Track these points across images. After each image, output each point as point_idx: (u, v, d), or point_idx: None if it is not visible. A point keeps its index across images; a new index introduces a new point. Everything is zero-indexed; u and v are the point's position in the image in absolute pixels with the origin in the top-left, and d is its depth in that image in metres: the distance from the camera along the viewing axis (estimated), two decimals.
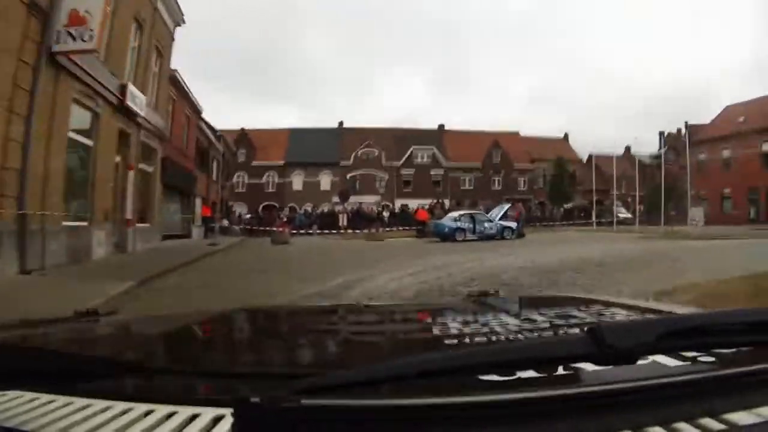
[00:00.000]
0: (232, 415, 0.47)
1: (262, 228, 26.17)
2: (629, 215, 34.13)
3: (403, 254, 12.57)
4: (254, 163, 41.71)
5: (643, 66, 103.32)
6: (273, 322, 1.34)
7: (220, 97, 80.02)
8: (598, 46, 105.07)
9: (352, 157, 42.55)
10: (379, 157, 42.58)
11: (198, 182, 22.99)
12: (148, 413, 0.52)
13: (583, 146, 49.89)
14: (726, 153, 38.68)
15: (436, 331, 0.92)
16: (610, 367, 0.53)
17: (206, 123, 25.51)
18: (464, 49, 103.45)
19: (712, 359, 0.62)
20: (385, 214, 32.10)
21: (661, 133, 46.06)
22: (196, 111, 22.72)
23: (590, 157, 41.52)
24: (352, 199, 32.94)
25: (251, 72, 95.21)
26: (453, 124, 47.93)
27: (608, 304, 1.12)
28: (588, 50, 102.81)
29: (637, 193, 31.38)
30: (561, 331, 0.85)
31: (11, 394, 0.58)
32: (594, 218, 32.79)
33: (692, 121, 40.88)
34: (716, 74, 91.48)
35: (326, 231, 26.93)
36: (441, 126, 46.95)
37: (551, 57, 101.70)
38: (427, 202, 33.99)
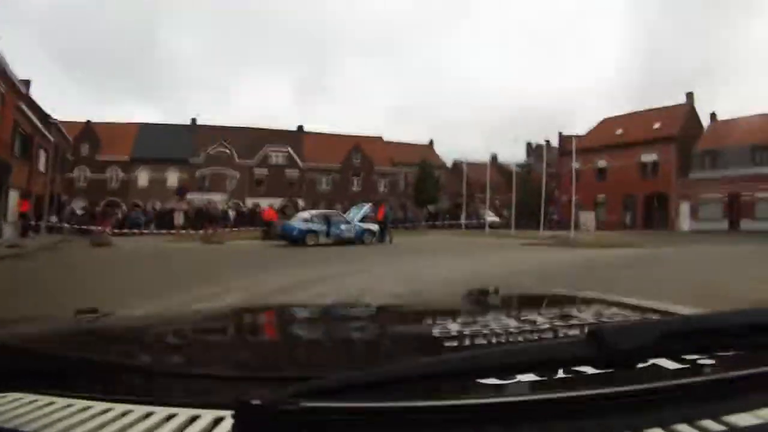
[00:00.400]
0: (233, 417, 0.52)
1: (91, 227, 25.99)
2: (497, 219, 38.75)
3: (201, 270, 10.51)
4: (98, 157, 44.60)
5: (511, 80, 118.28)
6: (273, 322, 1.47)
7: (72, 89, 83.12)
8: (467, 59, 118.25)
9: (204, 155, 46.17)
10: (231, 155, 46.74)
11: (16, 173, 22.76)
12: (148, 415, 0.58)
13: (448, 154, 58.06)
14: (602, 162, 45.47)
15: (436, 331, 0.98)
16: (611, 370, 0.58)
17: (35, 107, 26.26)
18: (331, 55, 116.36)
19: (713, 362, 0.68)
20: (231, 213, 34.42)
21: (528, 144, 53.62)
22: (17, 91, 23.04)
23: (455, 163, 47.25)
24: (200, 196, 34.77)
25: (104, 64, 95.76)
26: (316, 127, 52.84)
27: (608, 304, 1.23)
28: (456, 62, 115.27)
29: (514, 198, 36.16)
30: (561, 333, 0.94)
31: (11, 395, 0.63)
32: (463, 220, 36.61)
33: (567, 132, 48.20)
34: (586, 89, 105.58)
35: (164, 231, 27.47)
36: (300, 127, 52.04)
37: (420, 67, 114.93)
38: (279, 201, 37.30)
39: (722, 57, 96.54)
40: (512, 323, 1.02)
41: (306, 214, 20.85)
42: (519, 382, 0.63)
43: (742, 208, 37.07)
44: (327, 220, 19.90)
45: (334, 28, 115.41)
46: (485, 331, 0.94)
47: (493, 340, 0.88)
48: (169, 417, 0.57)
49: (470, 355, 0.68)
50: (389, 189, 49.69)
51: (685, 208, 39.96)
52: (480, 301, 1.43)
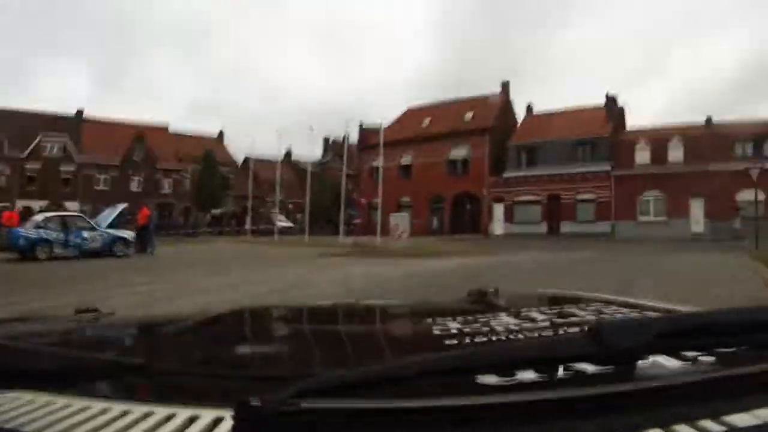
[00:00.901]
0: (232, 417, 0.52)
1: None
2: (290, 224, 34.47)
3: None
4: None
5: (313, 76, 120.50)
6: (273, 322, 1.51)
7: None
8: (267, 53, 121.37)
9: None
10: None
11: None
12: (147, 415, 0.58)
13: (242, 151, 51.38)
14: (407, 158, 41.18)
15: (436, 330, 1.00)
16: (610, 367, 0.60)
17: None
18: (125, 43, 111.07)
19: (713, 359, 0.69)
20: None
21: (326, 139, 49.74)
22: None
23: (246, 159, 41.71)
24: None
25: None
26: (97, 114, 45.92)
27: (608, 303, 1.25)
28: (254, 55, 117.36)
29: (308, 200, 31.04)
30: (561, 331, 0.95)
31: (9, 395, 0.64)
32: (249, 226, 32.25)
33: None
34: (394, 82, 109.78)
35: None
36: (79, 112, 44.54)
37: (222, 65, 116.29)
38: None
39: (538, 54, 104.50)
40: (511, 322, 1.03)
41: (39, 218, 17.84)
42: (518, 380, 0.64)
43: (563, 210, 35.72)
44: (65, 225, 17.15)
45: (132, 17, 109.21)
46: (484, 330, 0.96)
47: (493, 339, 0.89)
48: (169, 417, 0.58)
49: (469, 354, 0.70)
50: (173, 189, 44.70)
51: (498, 210, 37.90)
52: (479, 300, 1.46)
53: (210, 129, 49.47)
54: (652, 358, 0.66)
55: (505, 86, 41.74)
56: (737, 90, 76.88)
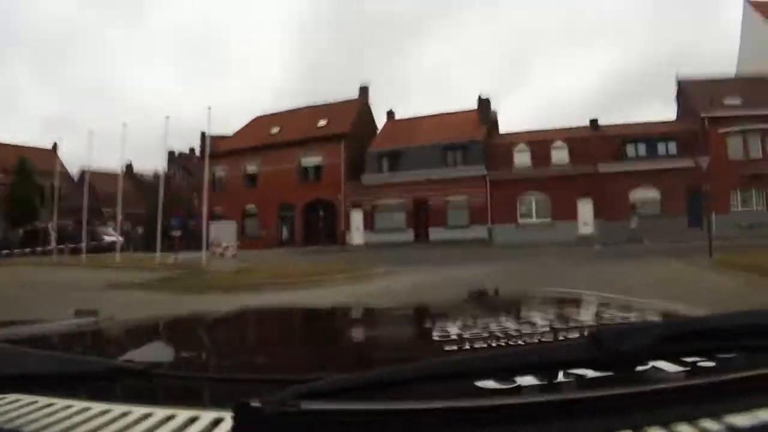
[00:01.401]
0: (232, 418, 0.54)
1: None
2: (116, 238, 28.48)
3: None
4: None
5: (168, 89, 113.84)
6: (273, 323, 1.60)
7: None
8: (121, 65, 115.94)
9: None
10: None
11: None
12: (147, 416, 0.60)
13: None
14: (253, 167, 37.04)
15: (435, 333, 1.04)
16: (611, 371, 0.62)
17: None
18: None
19: (713, 363, 0.70)
20: None
21: (171, 152, 45.08)
22: None
23: (83, 172, 37.80)
24: None
25: None
26: None
27: (608, 304, 1.28)
28: (109, 74, 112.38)
29: (119, 210, 26.32)
30: (560, 334, 0.98)
31: (10, 397, 0.66)
32: (55, 244, 26.67)
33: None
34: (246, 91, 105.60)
35: None
36: None
37: (76, 80, 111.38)
38: None
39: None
40: (512, 325, 1.06)
41: None
42: (519, 383, 0.64)
43: (432, 215, 32.20)
44: None
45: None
46: (485, 333, 0.99)
47: (493, 342, 0.91)
48: (168, 418, 0.59)
49: (470, 357, 0.75)
50: None
51: (357, 217, 33.29)
52: (480, 302, 1.54)
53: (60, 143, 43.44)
54: (651, 362, 0.67)
55: (364, 91, 38.44)
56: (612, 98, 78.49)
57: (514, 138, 33.63)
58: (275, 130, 36.53)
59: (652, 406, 0.57)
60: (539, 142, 32.48)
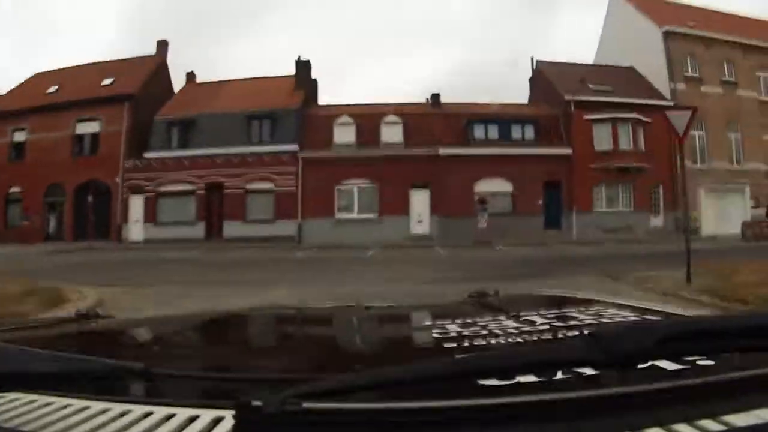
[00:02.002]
0: (233, 417, 0.56)
1: None
2: None
3: None
4: None
5: None
6: (273, 323, 1.67)
7: None
8: None
9: None
10: None
11: None
12: (147, 415, 0.62)
13: None
14: (21, 135, 29.28)
15: (436, 333, 1.07)
16: (611, 371, 0.65)
17: None
18: None
19: (712, 363, 0.74)
20: None
21: None
22: None
23: None
24: None
25: None
26: None
27: (608, 305, 1.31)
28: None
29: None
30: (560, 334, 1.02)
31: (10, 395, 0.69)
32: None
33: None
34: None
35: None
36: None
37: None
38: None
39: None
40: (512, 325, 1.09)
41: None
42: (519, 383, 0.67)
43: (228, 204, 26.20)
44: None
45: None
46: (485, 333, 1.02)
47: (493, 342, 0.95)
48: (169, 417, 0.61)
49: (470, 357, 0.77)
50: None
51: (137, 204, 26.75)
52: (480, 302, 1.56)
53: None
54: (651, 362, 0.69)
55: (162, 46, 31.83)
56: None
57: (337, 110, 27.84)
58: (53, 89, 29.49)
59: (652, 406, 0.59)
60: (367, 115, 26.92)
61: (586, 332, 0.65)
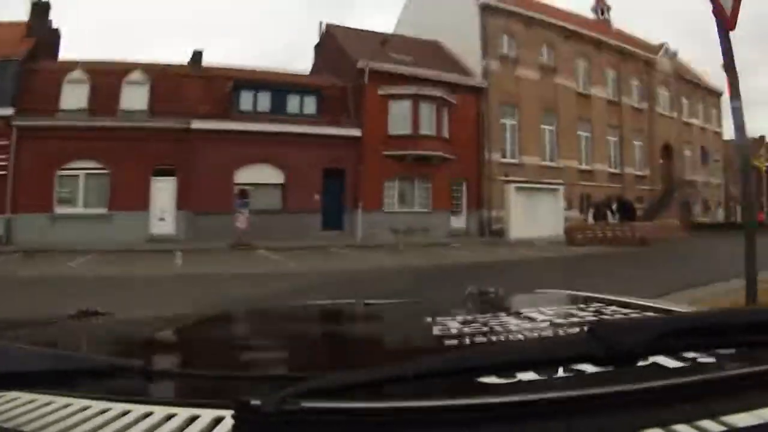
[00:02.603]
0: (232, 416, 0.57)
1: None
2: None
3: None
4: None
5: None
6: (273, 322, 1.65)
7: None
8: None
9: None
10: None
11: None
12: (147, 415, 0.64)
13: None
14: None
15: (436, 330, 1.08)
16: (610, 367, 0.65)
17: None
18: None
19: (713, 360, 0.76)
20: None
21: None
22: None
23: None
24: None
25: None
26: None
27: (608, 302, 1.33)
28: None
29: None
30: (561, 331, 1.05)
31: (9, 395, 0.70)
32: None
33: None
34: None
35: None
36: None
37: None
38: None
39: None
40: (512, 321, 1.13)
41: None
42: (519, 380, 0.69)
43: None
44: None
45: None
46: (486, 330, 1.04)
47: (493, 339, 0.97)
48: (169, 417, 0.63)
49: (470, 354, 0.79)
50: None
51: None
52: (480, 300, 1.61)
53: None
54: (652, 359, 0.71)
55: None
56: None
57: (70, 65, 20.79)
58: None
59: (652, 402, 0.61)
60: (107, 72, 20.41)
61: (586, 329, 0.66)
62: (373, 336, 1.40)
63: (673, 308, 1.31)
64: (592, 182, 28.13)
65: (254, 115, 20.80)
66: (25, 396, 0.69)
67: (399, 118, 22.07)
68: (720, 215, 38.77)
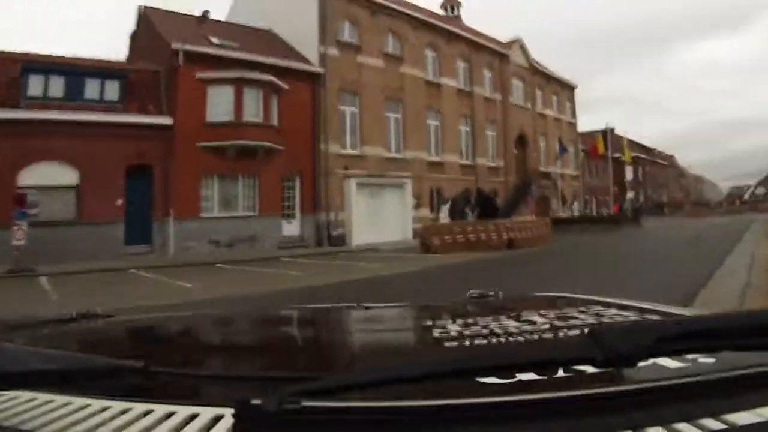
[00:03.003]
0: (233, 416, 0.59)
1: None
2: None
3: None
4: None
5: None
6: (273, 323, 1.73)
7: None
8: None
9: None
10: None
11: None
12: (147, 413, 0.65)
13: None
14: None
15: (436, 332, 1.10)
16: (610, 369, 0.67)
17: None
18: None
19: (713, 361, 0.77)
20: None
21: None
22: None
23: None
24: None
25: None
26: None
27: (608, 305, 1.35)
28: None
29: None
30: (561, 333, 1.06)
31: (9, 394, 0.72)
32: None
33: None
34: None
35: None
36: None
37: None
38: None
39: None
40: (512, 324, 1.14)
41: None
42: (519, 381, 0.71)
43: None
44: None
45: None
46: (486, 332, 1.06)
47: (493, 341, 0.99)
48: (169, 415, 0.64)
49: (470, 355, 0.83)
50: None
51: None
52: (481, 302, 1.64)
53: None
54: (652, 361, 0.70)
55: None
56: None
57: None
58: None
59: (652, 405, 0.62)
60: None
61: (586, 331, 0.66)
62: (373, 338, 1.41)
63: (673, 311, 1.30)
64: (443, 174, 27.22)
65: (43, 102, 17.92)
66: (25, 395, 0.71)
67: (220, 105, 19.63)
68: (576, 209, 40.12)
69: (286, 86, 21.04)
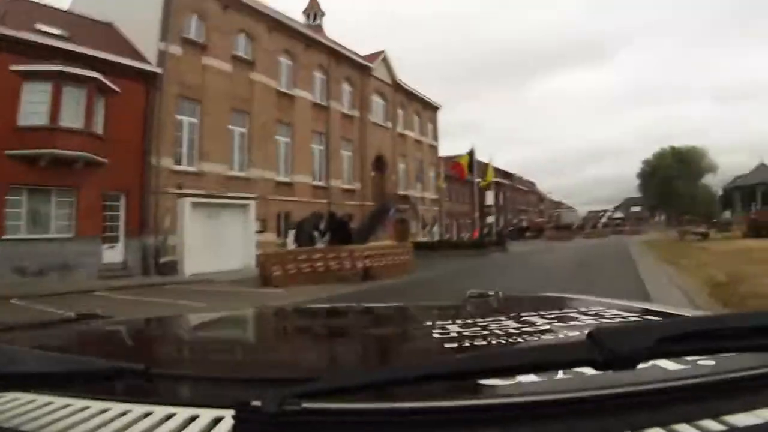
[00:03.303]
0: (233, 417, 0.62)
1: None
2: None
3: None
4: None
5: None
6: (273, 323, 1.87)
7: None
8: None
9: None
10: None
11: None
12: (146, 414, 0.69)
13: None
14: None
15: (436, 333, 1.16)
16: (610, 371, 0.68)
17: None
18: None
19: (713, 362, 0.81)
20: None
21: None
22: None
23: None
24: None
25: None
26: None
27: (608, 306, 1.42)
28: None
29: None
30: (561, 334, 1.12)
31: (9, 395, 0.76)
32: None
33: None
34: None
35: None
36: None
37: None
38: None
39: None
40: (512, 325, 1.19)
41: None
42: (519, 383, 0.75)
43: None
44: None
45: None
46: (486, 333, 1.11)
47: (493, 342, 1.04)
48: (169, 416, 0.68)
49: (470, 356, 0.85)
50: None
51: None
52: (481, 303, 1.74)
53: None
54: (651, 362, 0.75)
55: None
56: None
57: None
58: None
59: (652, 406, 0.66)
60: None
61: (586, 332, 0.69)
62: (374, 338, 1.45)
63: (674, 312, 1.34)
64: (293, 197, 26.57)
65: None
66: (25, 397, 0.75)
67: (36, 105, 17.59)
68: (436, 233, 41.70)
69: (116, 88, 19.52)
